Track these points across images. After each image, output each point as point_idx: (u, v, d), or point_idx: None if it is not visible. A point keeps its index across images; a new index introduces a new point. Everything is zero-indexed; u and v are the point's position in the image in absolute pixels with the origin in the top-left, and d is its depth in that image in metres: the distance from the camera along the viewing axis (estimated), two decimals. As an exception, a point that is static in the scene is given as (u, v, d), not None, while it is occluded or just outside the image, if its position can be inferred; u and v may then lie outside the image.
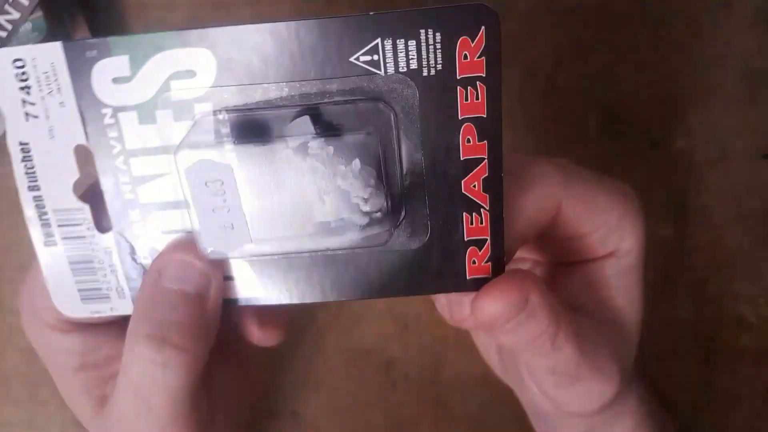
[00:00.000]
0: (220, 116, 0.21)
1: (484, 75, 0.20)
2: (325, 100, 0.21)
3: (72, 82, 0.21)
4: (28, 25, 0.29)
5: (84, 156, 0.22)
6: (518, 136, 0.36)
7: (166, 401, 0.22)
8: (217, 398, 0.27)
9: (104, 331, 0.25)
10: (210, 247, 0.22)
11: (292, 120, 0.21)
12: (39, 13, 0.29)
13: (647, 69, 0.35)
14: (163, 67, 0.20)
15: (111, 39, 0.20)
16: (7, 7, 0.29)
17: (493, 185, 0.22)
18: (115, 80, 0.21)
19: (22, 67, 0.21)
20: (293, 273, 0.23)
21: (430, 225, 0.22)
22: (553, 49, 0.35)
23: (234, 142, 0.21)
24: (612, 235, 0.26)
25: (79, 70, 0.21)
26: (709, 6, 0.35)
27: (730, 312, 0.37)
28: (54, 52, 0.21)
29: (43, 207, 0.22)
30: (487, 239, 0.22)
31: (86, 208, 0.22)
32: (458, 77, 0.20)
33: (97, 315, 0.23)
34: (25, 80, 0.21)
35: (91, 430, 0.26)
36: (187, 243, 0.23)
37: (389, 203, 0.22)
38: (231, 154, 0.21)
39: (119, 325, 0.24)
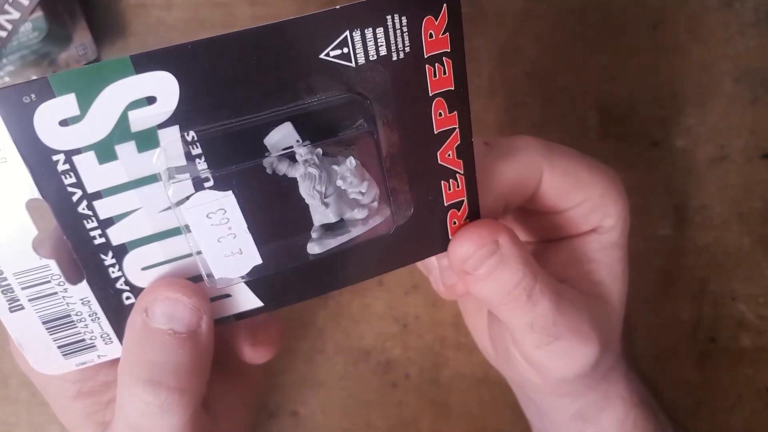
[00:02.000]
0: (189, 137, 0.20)
1: (449, 50, 0.21)
2: (301, 102, 0.20)
3: (10, 133, 0.19)
4: (28, 25, 0.29)
5: (39, 210, 0.20)
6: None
7: None
8: (219, 413, 0.27)
9: None
10: (219, 275, 0.22)
11: (273, 129, 0.20)
12: (39, 13, 0.29)
13: (647, 69, 0.35)
14: (118, 98, 0.19)
15: (51, 78, 0.18)
16: (7, 7, 0.29)
17: (465, 150, 0.23)
18: (64, 122, 0.19)
19: None
20: (289, 276, 0.23)
21: (413, 200, 0.23)
22: (553, 50, 0.35)
23: (214, 169, 0.20)
24: (595, 211, 0.27)
25: (18, 119, 0.18)
26: (709, 6, 0.35)
27: (730, 312, 0.37)
28: None
29: (1, 273, 0.21)
30: (463, 200, 0.23)
31: (52, 263, 0.21)
32: (426, 56, 0.21)
33: (83, 366, 0.23)
34: None
35: None
36: (173, 278, 0.22)
37: (386, 189, 0.22)
38: (205, 169, 0.20)
39: None
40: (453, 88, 0.21)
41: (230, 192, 0.20)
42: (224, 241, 0.21)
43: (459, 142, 0.22)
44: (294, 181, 0.21)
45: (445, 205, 0.23)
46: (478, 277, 0.23)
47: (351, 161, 0.21)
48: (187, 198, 0.20)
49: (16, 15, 0.29)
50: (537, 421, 0.33)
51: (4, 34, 0.29)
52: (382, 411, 0.37)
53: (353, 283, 0.24)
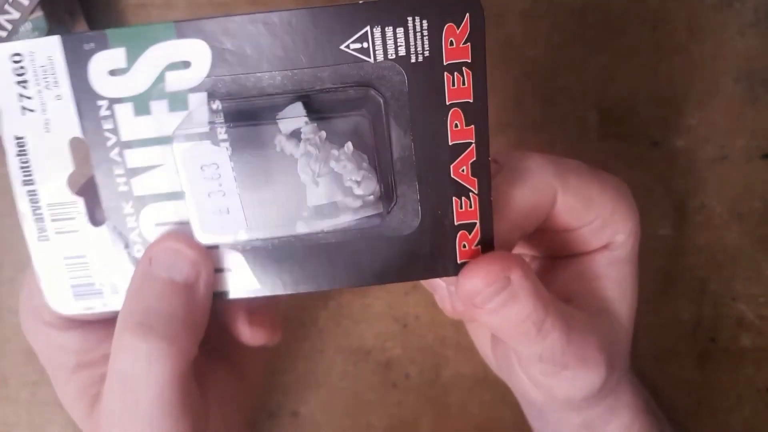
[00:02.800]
0: (214, 106, 0.21)
1: (469, 61, 0.21)
2: (317, 88, 0.21)
3: (69, 75, 0.21)
4: (28, 25, 0.29)
5: (80, 149, 0.22)
6: (518, 136, 0.36)
7: (153, 395, 0.22)
8: (214, 403, 0.26)
9: (101, 329, 0.25)
10: (205, 232, 0.22)
11: (285, 107, 0.21)
12: (39, 13, 0.29)
13: (647, 69, 0.35)
14: (159, 58, 0.21)
15: (108, 31, 0.20)
16: (7, 7, 0.29)
17: (481, 169, 0.22)
18: (112, 72, 0.21)
19: (20, 61, 0.21)
20: (287, 262, 0.23)
21: (421, 210, 0.22)
22: (553, 50, 0.35)
23: (228, 126, 0.21)
24: (606, 228, 0.26)
25: (77, 63, 0.21)
26: (709, 6, 0.35)
27: (730, 312, 0.37)
28: (52, 45, 0.21)
29: (37, 202, 0.22)
30: (476, 223, 0.23)
31: (80, 201, 0.22)
32: (445, 63, 0.21)
33: (89, 311, 0.23)
34: (22, 74, 0.21)
35: (85, 430, 0.25)
36: (180, 232, 0.23)
37: (382, 187, 0.22)
38: (225, 140, 0.21)
39: (115, 322, 0.24)
40: (471, 101, 0.21)
41: (224, 147, 0.21)
42: (214, 197, 0.22)
43: (474, 159, 0.22)
44: (293, 160, 0.22)
45: (455, 224, 0.22)
46: (488, 311, 0.23)
47: (348, 146, 0.21)
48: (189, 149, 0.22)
49: (16, 15, 0.29)
50: (539, 425, 0.32)
51: (4, 34, 0.29)
52: (382, 411, 0.37)
53: (351, 287, 0.24)
